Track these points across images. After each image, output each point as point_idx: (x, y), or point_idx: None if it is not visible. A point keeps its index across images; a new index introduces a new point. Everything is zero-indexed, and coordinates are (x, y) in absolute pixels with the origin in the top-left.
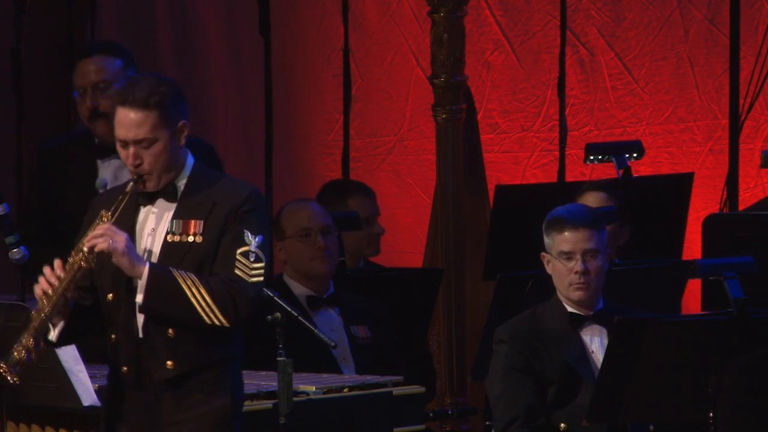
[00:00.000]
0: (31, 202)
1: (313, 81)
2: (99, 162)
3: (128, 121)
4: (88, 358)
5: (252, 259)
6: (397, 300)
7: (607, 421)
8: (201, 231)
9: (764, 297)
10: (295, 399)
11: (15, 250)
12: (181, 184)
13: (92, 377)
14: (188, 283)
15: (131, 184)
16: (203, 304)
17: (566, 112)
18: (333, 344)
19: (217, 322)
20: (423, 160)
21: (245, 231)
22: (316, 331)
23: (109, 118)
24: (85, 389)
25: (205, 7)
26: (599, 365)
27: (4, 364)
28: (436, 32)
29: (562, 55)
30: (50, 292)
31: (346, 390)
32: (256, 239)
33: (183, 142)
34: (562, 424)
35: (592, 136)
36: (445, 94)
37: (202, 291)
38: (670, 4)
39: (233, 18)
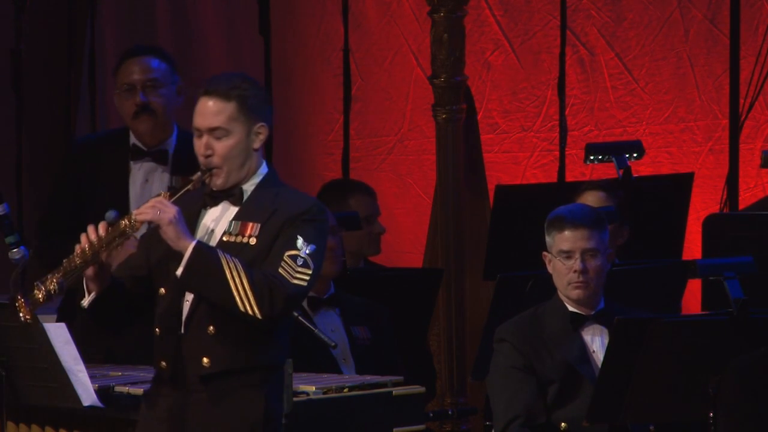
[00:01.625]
0: (58, 195)
1: (313, 81)
2: (132, 163)
3: (206, 109)
4: (88, 358)
5: (299, 263)
6: (397, 300)
7: (607, 421)
8: (257, 233)
9: (764, 297)
10: (295, 399)
11: (15, 250)
12: (249, 189)
13: (92, 377)
14: (231, 266)
15: (198, 173)
16: (240, 289)
17: (566, 112)
18: (333, 344)
19: (250, 311)
20: (423, 160)
21: (298, 236)
22: (316, 331)
23: (156, 116)
24: (85, 389)
25: (205, 7)
26: (600, 365)
27: (21, 297)
28: (436, 32)
29: (562, 55)
30: (86, 247)
31: (346, 390)
32: (309, 246)
33: (258, 145)
34: (563, 424)
35: (592, 136)
36: (445, 94)
37: (243, 277)
38: (670, 4)
39: (233, 18)
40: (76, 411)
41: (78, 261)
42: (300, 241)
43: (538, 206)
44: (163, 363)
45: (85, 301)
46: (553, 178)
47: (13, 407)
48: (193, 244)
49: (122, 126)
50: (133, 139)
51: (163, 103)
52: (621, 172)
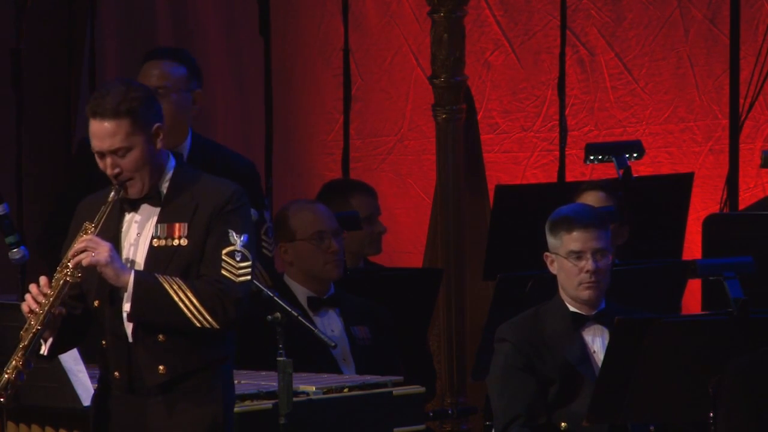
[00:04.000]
0: (67, 194)
1: (313, 81)
2: None
3: (101, 131)
4: (88, 359)
5: (238, 259)
6: (397, 300)
7: (607, 421)
8: (186, 234)
9: (764, 297)
10: (295, 399)
11: (15, 250)
12: (164, 187)
13: (92, 377)
14: (174, 287)
15: (113, 193)
16: (191, 307)
17: (566, 112)
18: (333, 344)
19: (207, 325)
20: (423, 160)
21: (230, 231)
22: (316, 331)
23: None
24: (85, 389)
25: (205, 7)
26: (600, 365)
27: None
28: (436, 32)
29: (562, 55)
30: (38, 309)
31: (346, 390)
32: (242, 238)
33: (160, 145)
34: (563, 424)
35: (592, 136)
36: (445, 94)
37: (189, 294)
38: (670, 4)
39: (233, 18)
40: (76, 411)
41: (35, 328)
42: (233, 235)
43: (538, 206)
44: (117, 373)
45: (44, 350)
46: (553, 178)
47: (13, 407)
48: (132, 277)
49: None
50: None
51: (172, 111)
52: (621, 172)
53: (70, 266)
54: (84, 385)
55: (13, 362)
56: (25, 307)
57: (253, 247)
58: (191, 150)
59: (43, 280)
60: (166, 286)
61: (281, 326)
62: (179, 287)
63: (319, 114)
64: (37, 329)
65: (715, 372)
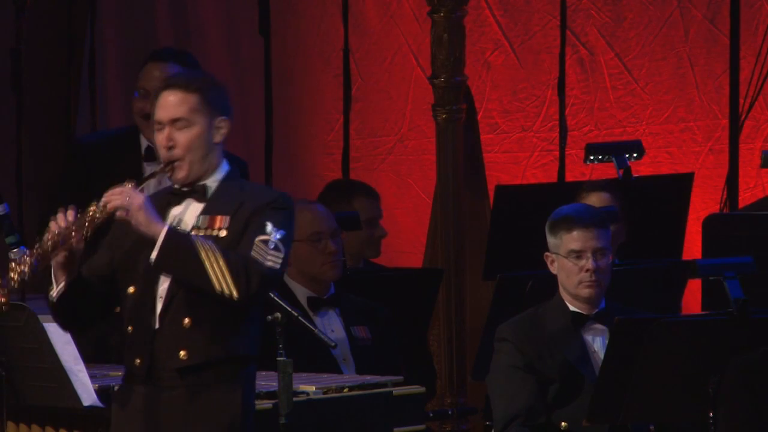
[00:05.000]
0: (60, 196)
1: (313, 81)
2: (145, 164)
3: (168, 101)
4: (87, 359)
5: (270, 247)
6: (397, 300)
7: (607, 421)
8: (227, 225)
9: (764, 297)
10: (295, 399)
11: (15, 250)
12: (212, 185)
13: (92, 377)
14: (205, 247)
15: (161, 165)
16: (216, 268)
17: (566, 112)
18: (333, 344)
19: (226, 291)
20: (423, 160)
21: (268, 222)
22: (316, 331)
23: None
24: (85, 389)
25: (205, 7)
26: (600, 365)
27: None
28: (436, 32)
29: (562, 55)
30: (57, 232)
31: (346, 390)
32: (279, 232)
33: (219, 139)
34: (563, 423)
35: (592, 136)
36: (445, 94)
37: (218, 256)
38: (670, 4)
39: (233, 18)
40: (76, 411)
41: (49, 244)
42: (269, 227)
43: (538, 206)
44: (138, 360)
45: (54, 292)
46: (553, 178)
47: (13, 407)
48: (165, 227)
49: (130, 125)
50: (147, 141)
51: None
52: (621, 172)
53: (101, 204)
54: (84, 385)
55: (21, 264)
56: (48, 233)
57: (288, 244)
58: None
59: (71, 209)
60: (197, 244)
61: (281, 326)
62: (209, 248)
63: (319, 114)
64: (51, 244)
65: (715, 372)
